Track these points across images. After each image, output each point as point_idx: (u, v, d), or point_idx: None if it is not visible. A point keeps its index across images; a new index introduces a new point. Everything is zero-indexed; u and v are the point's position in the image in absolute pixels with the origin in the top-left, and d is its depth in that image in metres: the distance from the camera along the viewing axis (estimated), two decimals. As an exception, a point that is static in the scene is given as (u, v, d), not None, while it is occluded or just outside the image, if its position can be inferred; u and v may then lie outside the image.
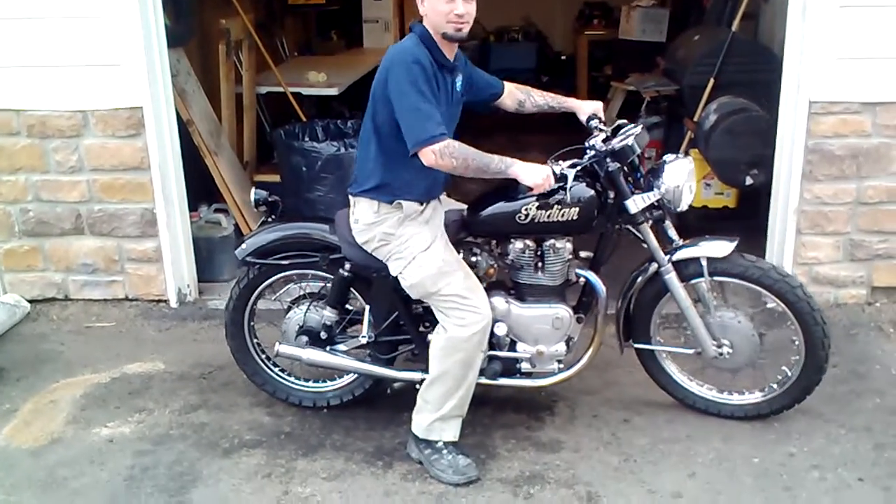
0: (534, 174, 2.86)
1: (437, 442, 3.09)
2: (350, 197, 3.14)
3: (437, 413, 3.05)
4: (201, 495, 3.01)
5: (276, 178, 5.14)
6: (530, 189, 2.89)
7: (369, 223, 3.06)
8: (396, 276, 3.05)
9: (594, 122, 3.21)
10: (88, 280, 4.54)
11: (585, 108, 3.29)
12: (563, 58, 9.71)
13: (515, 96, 3.36)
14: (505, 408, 3.47)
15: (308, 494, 2.99)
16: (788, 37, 4.02)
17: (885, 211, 4.14)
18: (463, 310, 2.96)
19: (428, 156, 2.83)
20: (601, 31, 8.77)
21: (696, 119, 5.11)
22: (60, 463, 3.21)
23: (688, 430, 3.29)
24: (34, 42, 4.14)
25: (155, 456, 3.24)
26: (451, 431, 3.09)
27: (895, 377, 3.63)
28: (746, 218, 4.79)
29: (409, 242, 3.01)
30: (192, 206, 4.70)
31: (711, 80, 5.12)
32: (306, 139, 4.97)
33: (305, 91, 5.80)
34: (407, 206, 3.02)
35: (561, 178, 2.89)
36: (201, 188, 4.92)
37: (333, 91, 5.79)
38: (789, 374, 3.25)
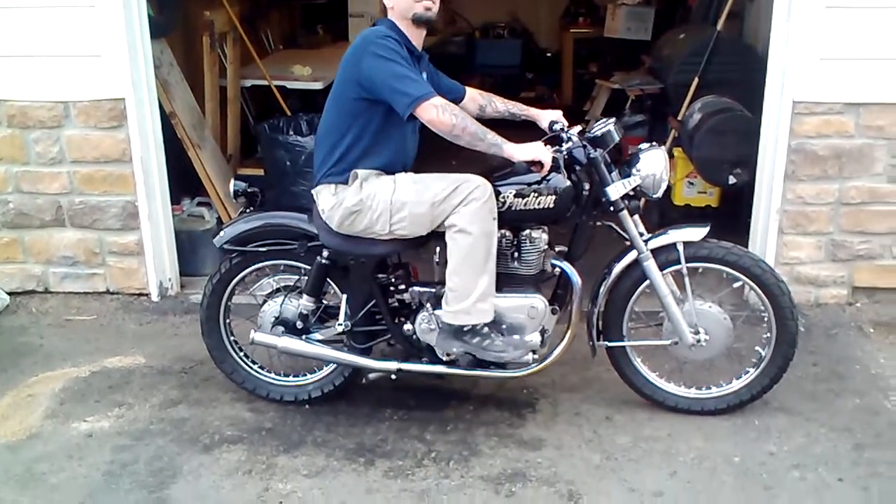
0: (534, 150, 2.94)
1: (481, 328, 3.10)
2: (313, 192, 3.20)
3: (475, 293, 3.01)
4: (181, 491, 2.99)
5: (259, 171, 5.11)
6: (530, 170, 2.97)
7: (332, 206, 3.10)
8: (387, 243, 3.10)
9: (557, 126, 3.23)
10: (69, 273, 4.50)
11: (546, 116, 3.35)
12: (549, 55, 9.70)
13: (477, 101, 3.45)
14: (487, 404, 3.47)
15: (289, 491, 2.98)
16: (773, 37, 4.03)
17: (867, 211, 4.16)
18: (461, 193, 2.96)
19: (429, 110, 2.88)
20: (587, 29, 8.78)
21: (680, 118, 5.12)
22: (38, 458, 3.18)
23: (669, 428, 3.29)
24: (15, 31, 4.09)
25: (134, 451, 3.21)
26: (490, 311, 3.07)
27: (875, 377, 3.65)
28: (729, 217, 4.81)
29: (377, 196, 3.04)
30: (175, 200, 4.67)
31: (696, 79, 5.14)
32: (290, 133, 4.97)
33: (290, 85, 5.77)
34: (362, 173, 3.07)
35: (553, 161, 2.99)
36: (184, 181, 4.88)
37: (318, 85, 5.75)
38: (763, 353, 3.28)
